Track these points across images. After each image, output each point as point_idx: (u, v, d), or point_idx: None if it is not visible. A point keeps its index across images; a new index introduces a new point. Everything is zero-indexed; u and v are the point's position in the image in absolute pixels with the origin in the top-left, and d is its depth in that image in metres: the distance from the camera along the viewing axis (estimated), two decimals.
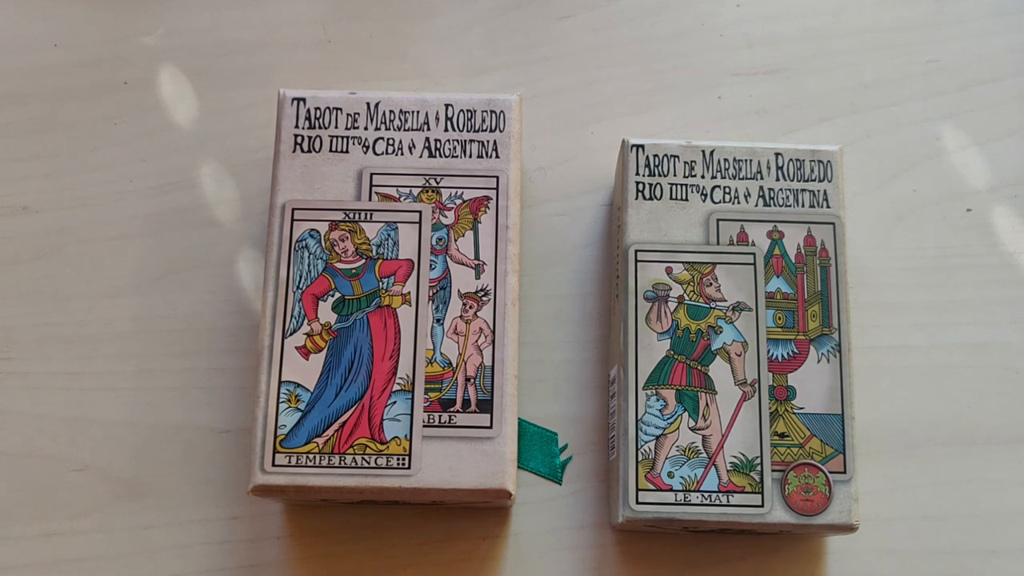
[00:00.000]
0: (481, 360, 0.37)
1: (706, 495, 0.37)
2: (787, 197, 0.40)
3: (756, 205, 0.40)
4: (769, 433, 0.37)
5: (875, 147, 0.45)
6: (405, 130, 0.40)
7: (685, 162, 0.40)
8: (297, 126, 0.40)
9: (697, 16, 0.47)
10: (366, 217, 0.39)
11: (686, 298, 0.39)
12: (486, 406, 0.37)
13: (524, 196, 0.44)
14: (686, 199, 0.40)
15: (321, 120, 0.40)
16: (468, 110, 0.40)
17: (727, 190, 0.40)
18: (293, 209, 0.39)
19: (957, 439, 0.41)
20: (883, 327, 0.43)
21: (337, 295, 0.38)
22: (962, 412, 0.42)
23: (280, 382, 0.37)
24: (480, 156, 0.40)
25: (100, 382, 0.42)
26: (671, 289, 0.39)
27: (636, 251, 0.39)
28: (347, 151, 0.39)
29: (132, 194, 0.45)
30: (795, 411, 0.37)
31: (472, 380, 0.37)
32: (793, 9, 0.47)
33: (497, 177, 0.39)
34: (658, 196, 0.40)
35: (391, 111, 0.40)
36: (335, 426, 0.36)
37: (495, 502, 0.37)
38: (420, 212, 0.39)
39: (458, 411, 0.37)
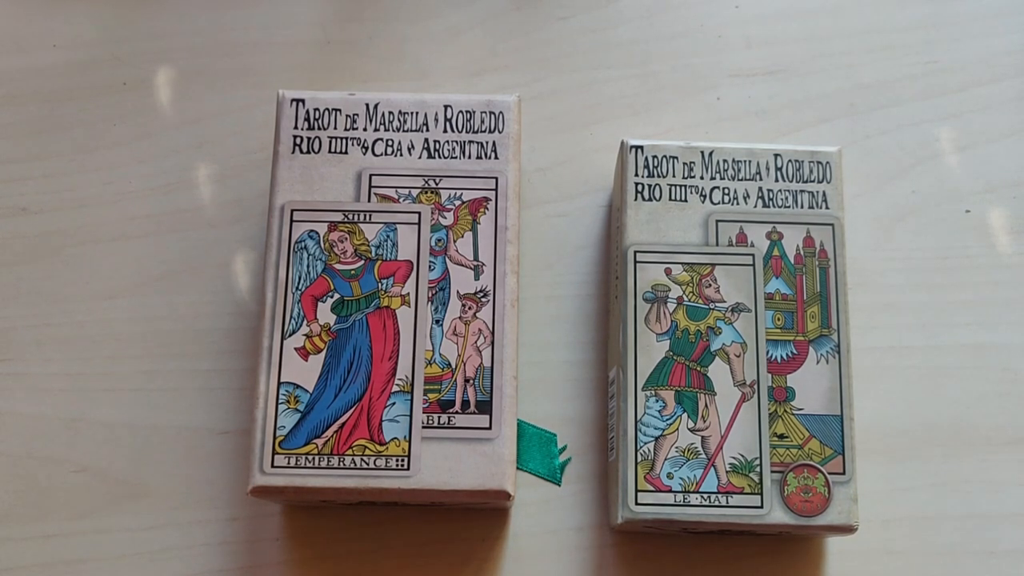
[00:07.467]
0: (480, 361, 0.37)
1: (705, 496, 0.37)
2: (786, 198, 0.40)
3: (755, 206, 0.40)
4: (768, 434, 0.37)
5: (874, 148, 0.45)
6: (404, 131, 0.40)
7: (684, 163, 0.40)
8: (296, 127, 0.40)
9: (696, 17, 0.47)
10: (365, 218, 0.39)
11: (685, 299, 0.39)
12: (485, 407, 0.37)
13: (523, 197, 0.44)
14: (685, 200, 0.40)
15: (320, 121, 0.40)
16: (467, 111, 0.40)
17: (726, 191, 0.40)
18: (292, 210, 0.39)
19: (956, 440, 0.41)
20: (882, 328, 0.43)
21: (336, 296, 0.38)
22: (961, 413, 0.42)
23: (279, 383, 0.37)
24: (479, 157, 0.40)
25: (99, 383, 0.42)
26: (670, 290, 0.39)
27: (635, 252, 0.39)
28: (346, 152, 0.39)
29: (131, 195, 0.45)
30: (794, 412, 0.37)
31: (471, 381, 0.37)
32: (792, 10, 0.47)
33: (496, 178, 0.39)
34: (657, 197, 0.40)
35: (390, 112, 0.40)
36: (334, 427, 0.36)
37: (494, 503, 0.37)
38: (419, 213, 0.39)
39: (457, 412, 0.37)
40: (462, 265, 0.38)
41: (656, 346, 0.38)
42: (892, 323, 0.43)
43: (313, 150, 0.39)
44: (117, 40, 0.47)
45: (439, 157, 0.39)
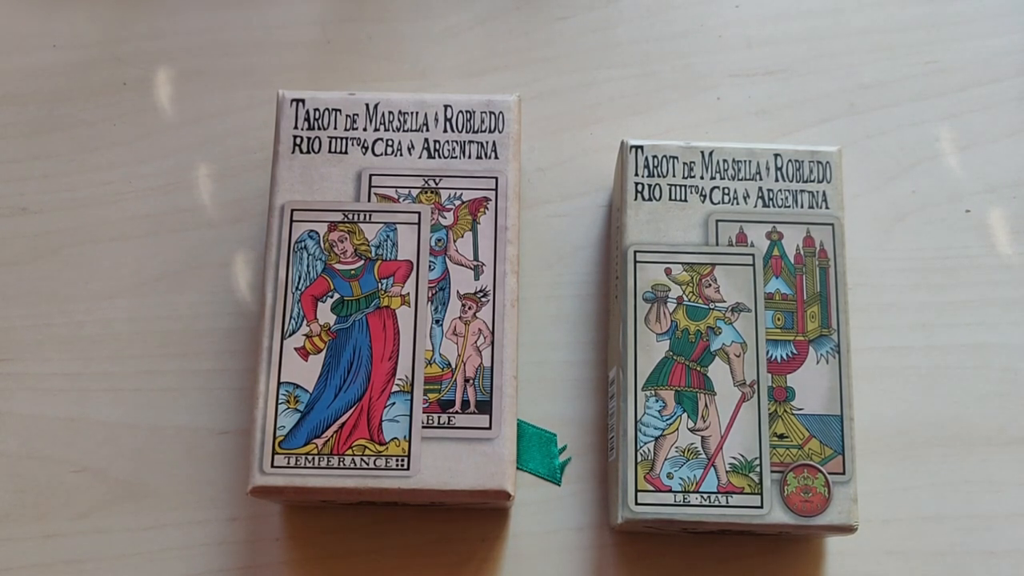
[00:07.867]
0: (480, 361, 0.37)
1: (705, 496, 0.37)
2: (786, 198, 0.40)
3: (755, 206, 0.40)
4: (768, 434, 0.37)
5: (874, 148, 0.45)
6: (404, 131, 0.40)
7: (684, 163, 0.40)
8: (296, 127, 0.40)
9: (696, 17, 0.47)
10: (365, 218, 0.39)
11: (685, 299, 0.39)
12: (485, 407, 0.37)
13: (523, 197, 0.44)
14: (685, 200, 0.40)
15: (320, 121, 0.40)
16: (467, 111, 0.40)
17: (726, 191, 0.40)
18: (292, 210, 0.39)
19: (956, 440, 0.41)
20: (882, 328, 0.43)
21: (336, 296, 0.38)
22: (961, 413, 0.42)
23: (279, 383, 0.37)
24: (479, 157, 0.40)
25: (99, 383, 0.42)
26: (670, 290, 0.39)
27: (635, 252, 0.39)
28: (346, 152, 0.39)
29: (131, 195, 0.45)
30: (794, 412, 0.37)
31: (471, 381, 0.37)
32: (792, 10, 0.47)
33: (496, 178, 0.39)
34: (657, 197, 0.40)
35: (390, 112, 0.40)
36: (334, 427, 0.36)
37: (494, 503, 0.37)
38: (419, 213, 0.39)
39: (457, 412, 0.37)
40: (462, 265, 0.38)
41: (656, 346, 0.38)
42: (892, 323, 0.43)
43: (313, 150, 0.39)
44: (117, 40, 0.47)
45: (439, 157, 0.39)
